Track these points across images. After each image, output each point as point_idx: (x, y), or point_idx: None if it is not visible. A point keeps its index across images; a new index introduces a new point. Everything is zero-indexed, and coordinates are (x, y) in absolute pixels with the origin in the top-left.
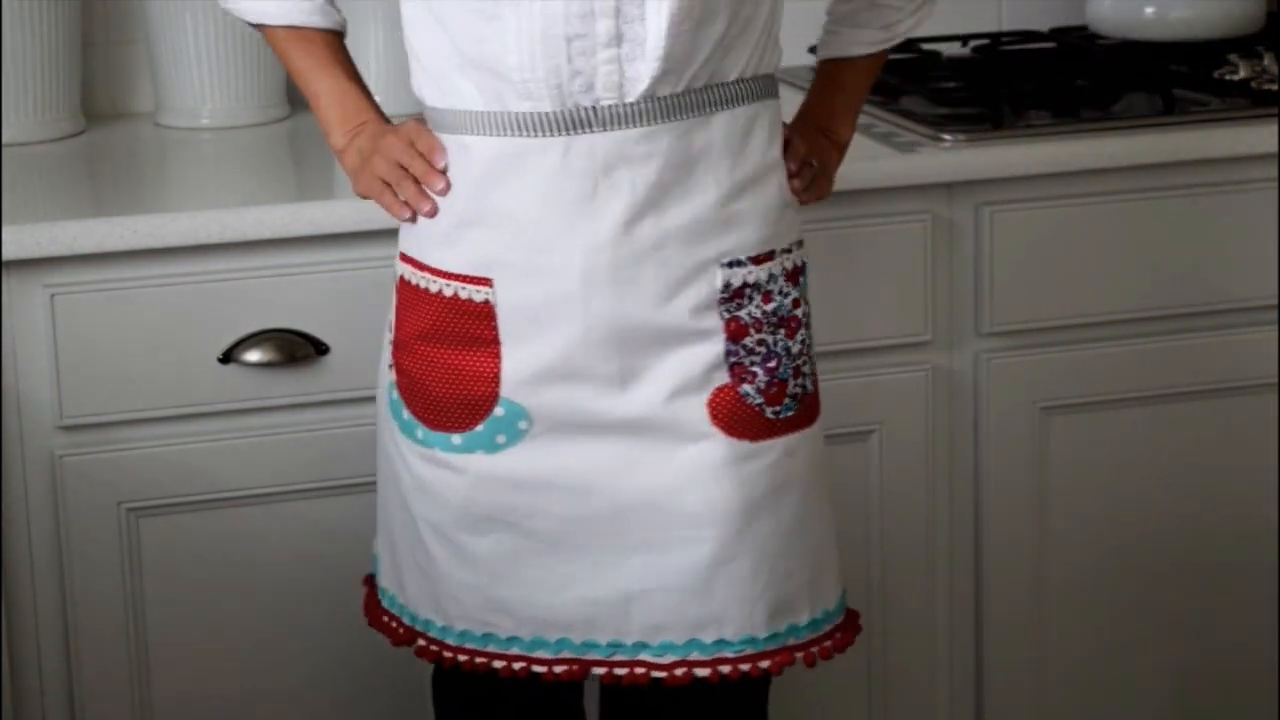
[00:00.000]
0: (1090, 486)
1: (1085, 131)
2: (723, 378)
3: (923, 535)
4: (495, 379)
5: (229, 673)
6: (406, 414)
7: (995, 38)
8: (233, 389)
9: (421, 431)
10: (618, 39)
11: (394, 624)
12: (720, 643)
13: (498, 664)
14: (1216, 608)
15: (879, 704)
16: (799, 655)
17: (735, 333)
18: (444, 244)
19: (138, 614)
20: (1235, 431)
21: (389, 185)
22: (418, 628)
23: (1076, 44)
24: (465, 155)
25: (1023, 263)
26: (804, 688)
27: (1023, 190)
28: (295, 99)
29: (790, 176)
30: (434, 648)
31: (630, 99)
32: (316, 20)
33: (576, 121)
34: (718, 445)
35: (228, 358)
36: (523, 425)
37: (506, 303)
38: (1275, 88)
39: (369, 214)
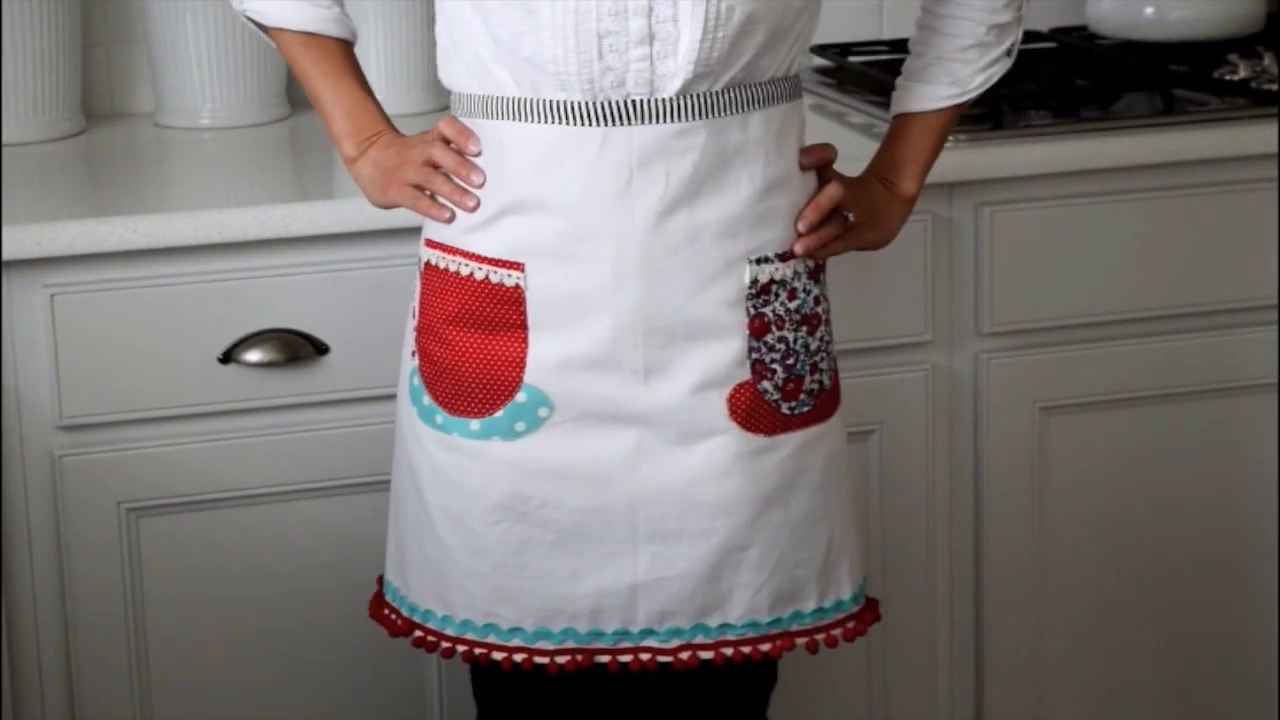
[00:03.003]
0: (1090, 486)
1: (1085, 131)
2: (744, 374)
3: (923, 535)
4: (520, 364)
5: (229, 672)
6: (427, 399)
7: None
8: (233, 389)
9: (441, 417)
10: (649, 38)
11: (393, 615)
12: (724, 626)
13: (497, 655)
14: (1217, 608)
15: (879, 702)
16: (800, 640)
17: (758, 329)
18: (477, 230)
19: (138, 614)
20: (1235, 431)
21: (421, 190)
22: (416, 619)
23: (1076, 44)
24: (502, 143)
25: (1023, 263)
26: (804, 685)
27: (1023, 190)
28: (295, 99)
29: (812, 221)
30: (431, 638)
31: (663, 95)
32: (331, 29)
33: (615, 114)
34: (733, 439)
35: (228, 358)
36: (543, 413)
37: (537, 289)
38: (1275, 88)
39: (369, 214)
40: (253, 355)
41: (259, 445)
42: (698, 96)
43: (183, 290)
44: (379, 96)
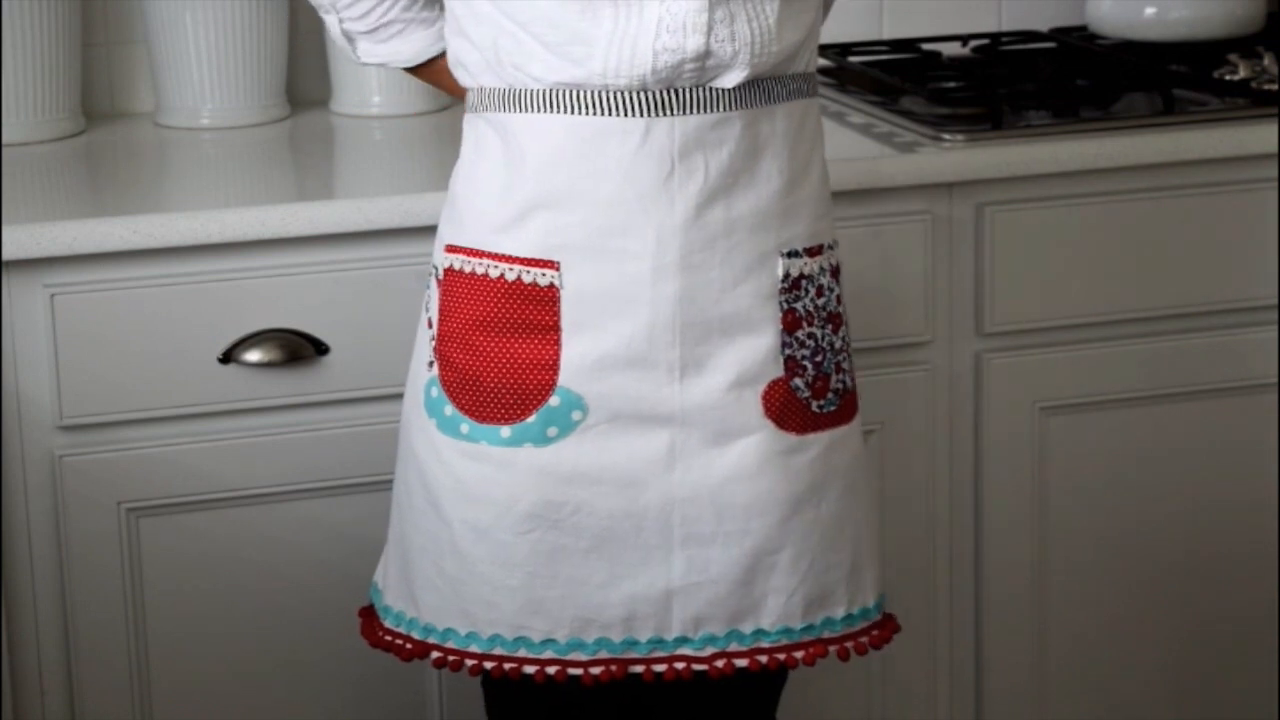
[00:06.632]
0: (1090, 486)
1: (1085, 131)
2: (777, 370)
3: (923, 535)
4: (554, 367)
5: (229, 673)
6: (449, 409)
7: (995, 38)
8: (233, 389)
9: (467, 426)
10: (705, 55)
11: (400, 641)
12: (758, 633)
13: (529, 669)
14: (1216, 608)
15: (879, 702)
16: (832, 648)
17: (790, 324)
18: (505, 229)
19: (138, 614)
20: (1235, 431)
21: None
22: (433, 639)
23: (1076, 44)
24: (523, 137)
25: (1023, 263)
26: (804, 685)
27: (1023, 190)
28: (295, 99)
29: None
30: (453, 657)
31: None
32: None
33: (659, 104)
34: (767, 438)
35: (228, 358)
36: (576, 416)
37: (572, 287)
38: (1275, 88)
39: (369, 214)
40: (253, 355)
41: (259, 445)
42: (737, 88)
43: (183, 290)
44: (377, 98)
